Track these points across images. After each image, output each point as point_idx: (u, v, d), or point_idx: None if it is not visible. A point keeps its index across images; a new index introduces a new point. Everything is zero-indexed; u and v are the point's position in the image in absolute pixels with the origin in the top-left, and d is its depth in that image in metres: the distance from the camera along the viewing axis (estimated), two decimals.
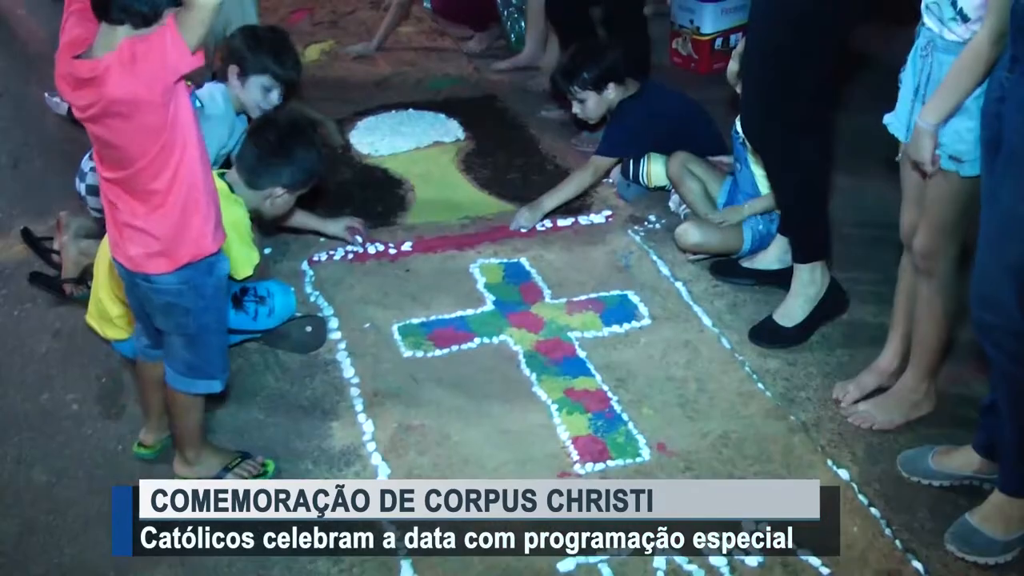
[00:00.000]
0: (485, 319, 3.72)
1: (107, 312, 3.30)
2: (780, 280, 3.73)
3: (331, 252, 4.12)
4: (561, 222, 4.31)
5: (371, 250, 4.13)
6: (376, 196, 4.54)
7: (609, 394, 3.35)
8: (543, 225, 4.30)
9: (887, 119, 2.95)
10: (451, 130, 5.15)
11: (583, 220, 4.34)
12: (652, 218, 4.33)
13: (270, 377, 3.47)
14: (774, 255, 3.83)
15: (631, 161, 4.39)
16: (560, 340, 3.61)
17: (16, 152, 5.02)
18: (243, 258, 3.28)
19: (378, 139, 5.06)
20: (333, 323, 3.71)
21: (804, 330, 3.57)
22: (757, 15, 3.35)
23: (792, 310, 3.57)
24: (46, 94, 5.40)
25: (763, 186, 3.90)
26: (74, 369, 3.54)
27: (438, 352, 3.57)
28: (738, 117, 3.85)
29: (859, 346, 3.53)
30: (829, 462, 3.07)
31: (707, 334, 3.63)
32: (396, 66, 6.05)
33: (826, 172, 3.60)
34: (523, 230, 4.24)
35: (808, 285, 3.56)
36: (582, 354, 3.54)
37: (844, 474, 3.02)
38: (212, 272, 2.70)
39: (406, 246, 4.16)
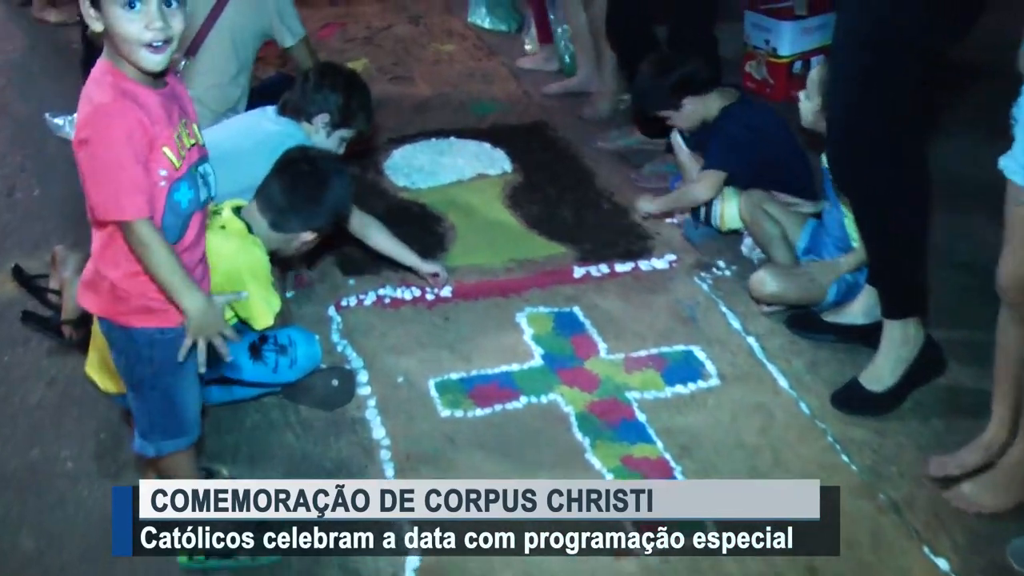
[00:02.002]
0: (533, 375, 3.70)
1: (109, 363, 3.27)
2: (867, 337, 3.68)
3: (361, 296, 4.12)
4: (619, 267, 4.30)
5: (406, 296, 4.13)
6: (412, 234, 4.50)
7: (672, 463, 3.31)
8: (599, 270, 4.29)
9: (1003, 162, 2.88)
10: (497, 161, 5.16)
11: (644, 265, 4.32)
12: (721, 264, 4.30)
13: (291, 436, 3.45)
14: (861, 308, 3.78)
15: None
16: (617, 401, 3.58)
17: (11, 178, 5.06)
18: (263, 306, 3.28)
19: (415, 170, 5.08)
20: (362, 376, 3.69)
21: (895, 395, 3.51)
22: (842, 34, 3.31)
23: (881, 372, 3.51)
24: (47, 114, 5.46)
25: (855, 230, 3.85)
26: (69, 422, 3.53)
27: (479, 412, 3.54)
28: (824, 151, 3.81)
29: (958, 415, 3.47)
30: (925, 549, 3.00)
31: (783, 397, 3.58)
32: (436, 88, 6.07)
33: (922, 214, 3.54)
34: (644, 212, 4.50)
35: (900, 344, 3.51)
36: (642, 417, 3.51)
37: (943, 564, 2.96)
38: (133, 342, 2.66)
39: (445, 291, 4.15)
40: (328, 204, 3.49)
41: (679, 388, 3.63)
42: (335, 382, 3.58)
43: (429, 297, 4.12)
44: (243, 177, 3.60)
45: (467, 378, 3.69)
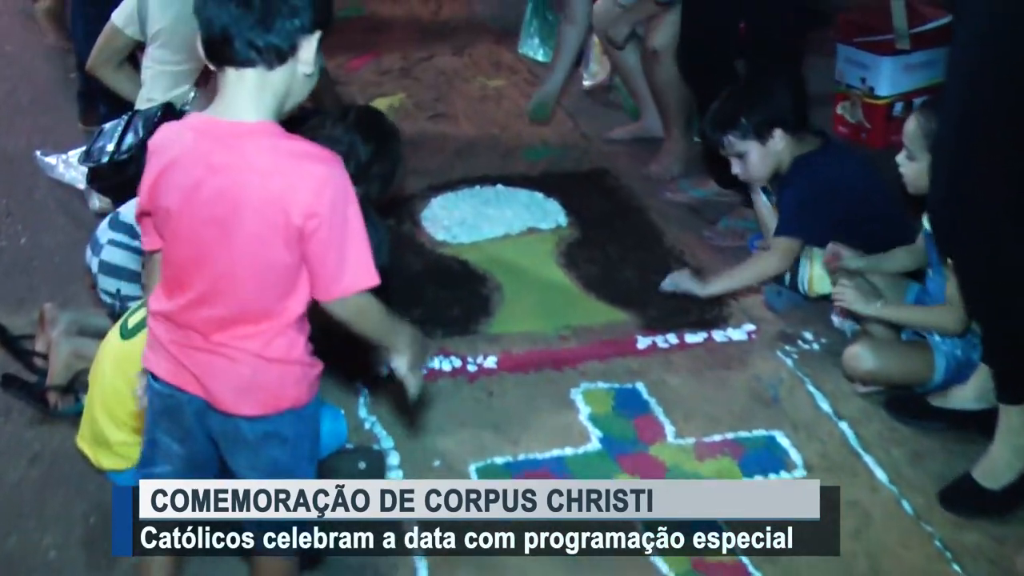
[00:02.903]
0: (589, 461, 3.68)
1: (105, 436, 3.29)
2: (981, 425, 3.64)
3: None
4: (690, 338, 4.28)
5: (444, 366, 4.13)
6: (452, 296, 4.54)
7: (751, 568, 3.28)
8: (666, 340, 4.27)
9: None
10: (550, 213, 5.17)
11: (718, 336, 4.31)
12: (808, 336, 4.28)
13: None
14: (974, 391, 3.74)
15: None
16: None
17: None
18: None
19: (456, 222, 5.09)
20: (393, 459, 3.68)
21: (1014, 493, 3.46)
22: (958, 73, 3.27)
23: (998, 466, 3.47)
24: (37, 152, 5.49)
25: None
26: (54, 504, 3.51)
27: None
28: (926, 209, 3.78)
29: None
30: None
31: (882, 494, 3.54)
32: (481, 128, 6.09)
33: None
34: (663, 288, 4.41)
35: (1019, 433, 3.47)
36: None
37: None
38: (306, 419, 2.79)
39: (489, 362, 4.15)
40: None
41: (759, 480, 3.59)
42: (362, 465, 3.55)
43: (471, 369, 4.11)
44: None
45: (514, 463, 3.67)
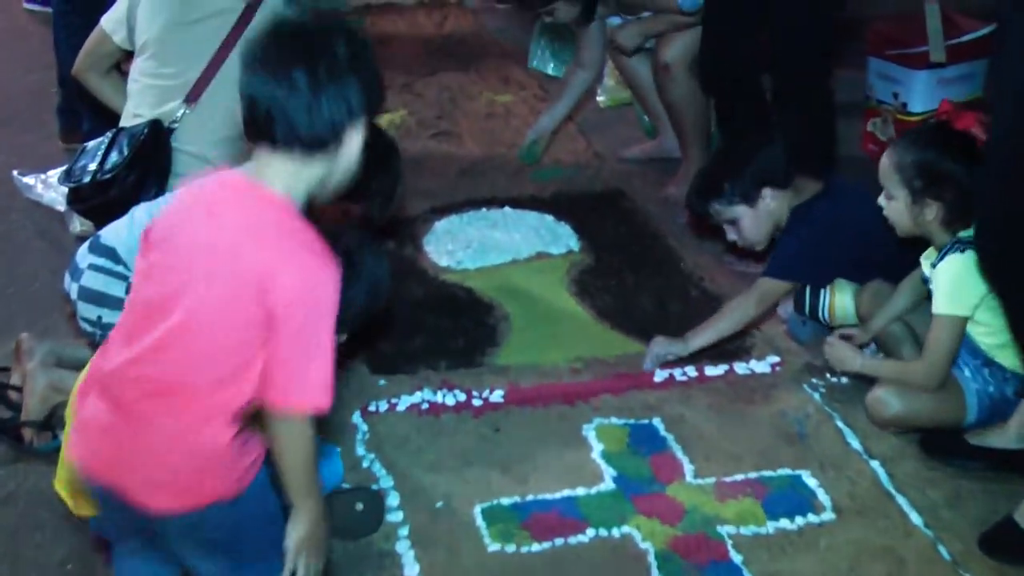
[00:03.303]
0: (603, 502, 3.67)
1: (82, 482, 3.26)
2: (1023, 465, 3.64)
3: (393, 401, 4.12)
4: (710, 370, 4.28)
5: (448, 400, 4.12)
6: (456, 325, 4.54)
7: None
8: (685, 373, 4.27)
9: None
10: (561, 237, 5.18)
11: (740, 368, 4.31)
12: (831, 362, 4.22)
13: None
14: (1015, 430, 3.74)
15: (808, 290, 4.33)
16: (706, 536, 3.54)
17: None
18: None
19: (461, 247, 5.11)
20: (393, 499, 3.67)
21: None
22: (1006, 87, 3.23)
23: None
24: (15, 172, 5.49)
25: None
26: (29, 550, 3.49)
27: (536, 547, 3.50)
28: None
29: None
30: None
31: (917, 538, 3.52)
32: (488, 147, 6.11)
33: None
34: (651, 364, 4.28)
35: None
36: (737, 558, 3.46)
37: None
38: (252, 502, 2.67)
39: (496, 396, 4.14)
40: (359, 300, 3.42)
41: (784, 523, 3.58)
42: (360, 506, 3.55)
43: (477, 403, 4.10)
44: None
45: (521, 504, 3.66)
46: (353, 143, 2.59)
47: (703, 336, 4.30)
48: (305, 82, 2.47)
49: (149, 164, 4.31)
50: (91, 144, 4.44)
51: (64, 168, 4.52)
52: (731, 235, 4.44)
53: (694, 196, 4.45)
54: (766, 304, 4.36)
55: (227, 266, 2.48)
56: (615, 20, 5.65)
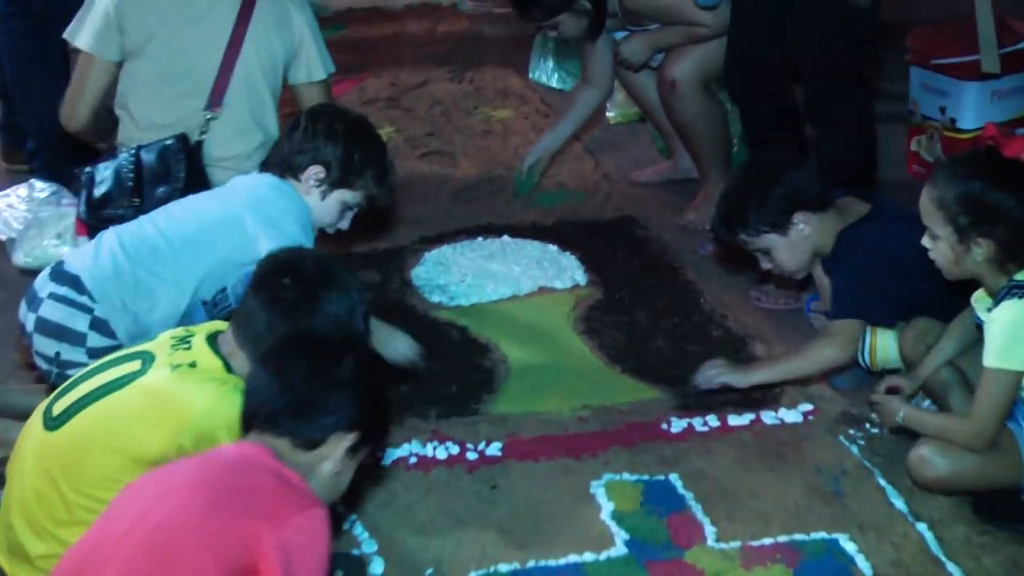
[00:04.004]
0: (613, 570, 3.64)
1: (23, 548, 3.26)
2: None
3: (377, 453, 4.05)
4: (734, 420, 4.27)
5: (439, 453, 4.11)
6: (449, 369, 4.55)
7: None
8: (706, 423, 4.26)
9: None
10: (566, 270, 5.20)
11: (768, 418, 4.30)
12: (877, 417, 4.21)
13: None
14: None
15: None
16: None
17: None
18: None
19: (454, 281, 5.11)
20: (377, 566, 3.65)
21: None
22: None
23: None
24: None
25: None
26: None
27: None
28: None
29: None
30: None
31: None
32: (484, 168, 6.12)
33: None
34: (702, 385, 4.31)
35: None
36: None
37: None
38: None
39: (493, 449, 4.14)
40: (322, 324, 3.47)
41: None
42: (339, 574, 3.52)
43: (471, 456, 4.10)
44: (216, 250, 3.89)
45: (522, 571, 3.64)
46: (336, 451, 2.97)
47: (769, 371, 4.31)
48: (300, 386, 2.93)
49: (197, 184, 4.37)
50: (104, 169, 4.41)
51: (82, 199, 4.47)
52: (764, 264, 4.42)
53: (718, 225, 4.43)
54: (850, 348, 4.25)
55: (184, 547, 2.70)
56: (620, 34, 5.65)
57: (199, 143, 4.44)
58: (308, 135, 4.13)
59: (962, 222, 3.64)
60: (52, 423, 3.30)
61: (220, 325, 3.52)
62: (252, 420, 2.95)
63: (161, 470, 2.92)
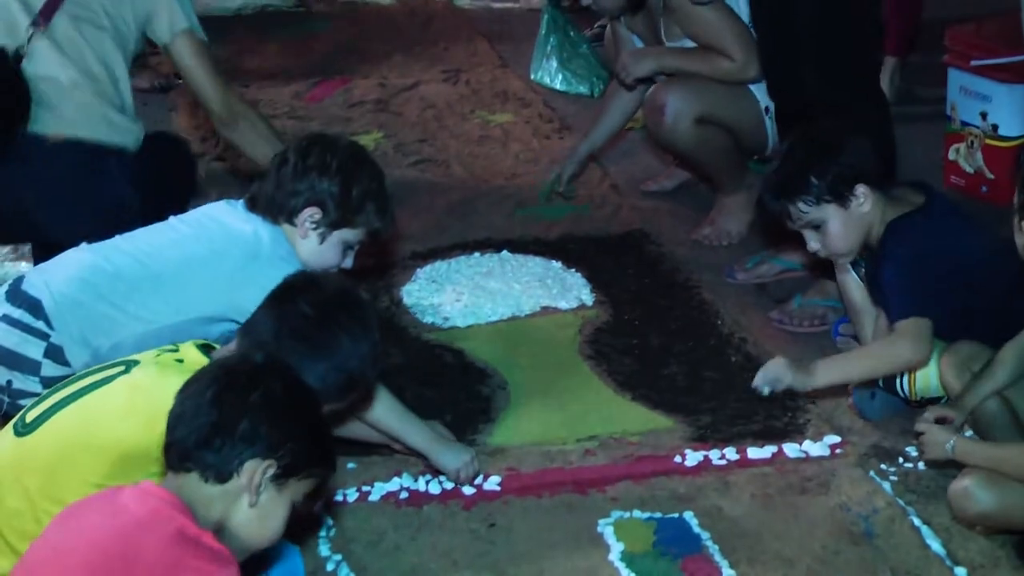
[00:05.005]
0: None
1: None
2: None
3: (365, 488, 4.11)
4: (754, 452, 4.28)
5: (432, 488, 4.11)
6: (443, 396, 4.56)
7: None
8: (723, 456, 4.27)
9: None
10: (571, 288, 5.21)
11: (791, 451, 4.30)
12: (912, 452, 4.24)
13: None
14: None
15: None
16: None
17: None
18: None
19: (450, 300, 5.12)
20: None
21: None
22: None
23: None
24: None
25: None
26: None
27: None
28: None
29: None
30: None
31: None
32: (482, 177, 6.12)
33: None
34: (763, 389, 4.19)
35: None
36: None
37: None
38: None
39: (491, 483, 4.14)
40: (338, 353, 3.46)
41: None
42: None
43: (467, 491, 4.09)
44: (193, 298, 3.85)
45: None
46: (251, 481, 2.86)
47: (836, 370, 4.23)
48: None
49: (6, 101, 4.46)
50: None
51: None
52: (812, 244, 4.32)
53: (770, 192, 4.34)
54: (926, 346, 4.14)
55: None
56: (638, 42, 5.66)
57: (19, 57, 4.53)
58: (299, 173, 4.08)
59: None
60: (24, 429, 3.28)
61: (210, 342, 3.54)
62: (166, 456, 2.91)
63: (61, 529, 2.85)
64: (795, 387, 4.20)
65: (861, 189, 4.20)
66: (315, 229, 4.06)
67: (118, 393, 3.26)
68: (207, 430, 2.85)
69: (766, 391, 4.17)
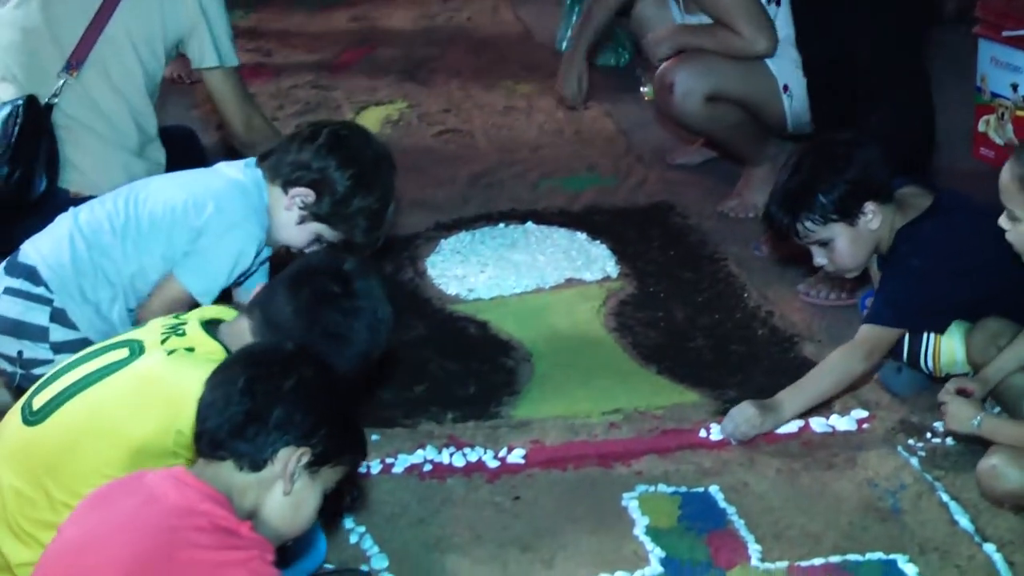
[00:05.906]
0: None
1: (3, 556, 3.26)
2: None
3: (389, 460, 4.11)
4: (782, 427, 4.24)
5: (456, 461, 4.11)
6: (467, 369, 4.56)
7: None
8: None
9: None
10: (596, 260, 5.21)
11: (818, 425, 4.28)
12: (940, 426, 4.21)
13: None
14: None
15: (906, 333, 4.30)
16: None
17: None
18: None
19: (474, 272, 5.12)
20: None
21: None
22: None
23: None
24: None
25: None
26: None
27: None
28: None
29: None
30: None
31: None
32: (507, 148, 6.09)
33: None
34: (733, 441, 4.20)
35: None
36: None
37: None
38: None
39: (515, 456, 4.13)
40: (358, 346, 3.47)
41: None
42: None
43: (491, 465, 4.09)
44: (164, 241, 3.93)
45: None
46: (285, 468, 2.90)
47: (798, 400, 4.23)
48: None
49: (34, 153, 4.41)
50: None
51: None
52: (819, 259, 4.32)
53: (776, 208, 4.31)
54: (876, 358, 4.25)
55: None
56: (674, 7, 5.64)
57: (49, 106, 4.50)
58: (320, 155, 4.07)
59: None
60: (33, 417, 3.28)
61: (214, 312, 3.53)
62: (198, 444, 2.94)
63: (98, 513, 2.86)
64: (766, 429, 4.21)
65: (870, 207, 4.19)
66: (301, 209, 4.07)
67: (126, 383, 3.26)
68: (241, 418, 2.88)
69: (735, 437, 4.19)
